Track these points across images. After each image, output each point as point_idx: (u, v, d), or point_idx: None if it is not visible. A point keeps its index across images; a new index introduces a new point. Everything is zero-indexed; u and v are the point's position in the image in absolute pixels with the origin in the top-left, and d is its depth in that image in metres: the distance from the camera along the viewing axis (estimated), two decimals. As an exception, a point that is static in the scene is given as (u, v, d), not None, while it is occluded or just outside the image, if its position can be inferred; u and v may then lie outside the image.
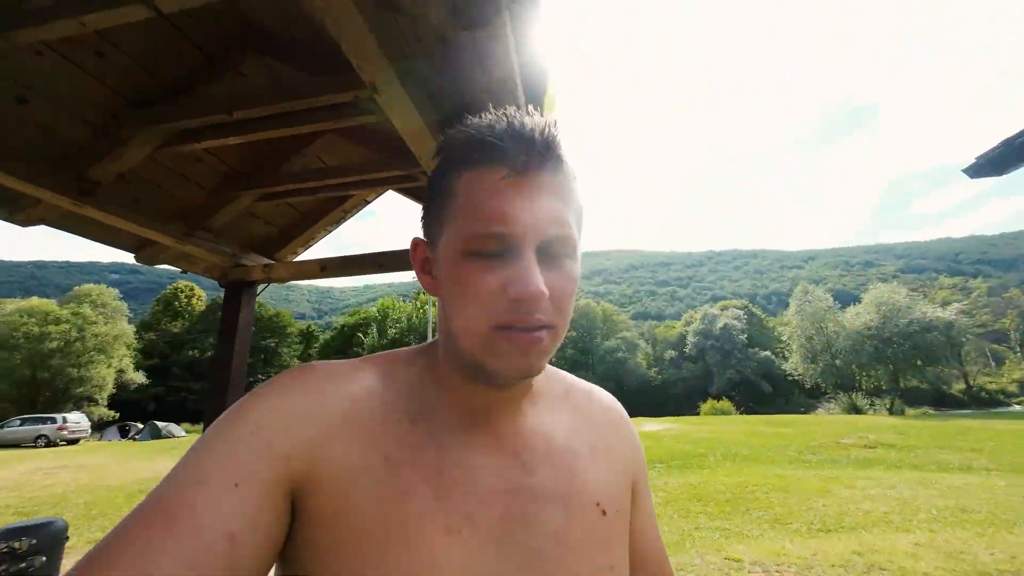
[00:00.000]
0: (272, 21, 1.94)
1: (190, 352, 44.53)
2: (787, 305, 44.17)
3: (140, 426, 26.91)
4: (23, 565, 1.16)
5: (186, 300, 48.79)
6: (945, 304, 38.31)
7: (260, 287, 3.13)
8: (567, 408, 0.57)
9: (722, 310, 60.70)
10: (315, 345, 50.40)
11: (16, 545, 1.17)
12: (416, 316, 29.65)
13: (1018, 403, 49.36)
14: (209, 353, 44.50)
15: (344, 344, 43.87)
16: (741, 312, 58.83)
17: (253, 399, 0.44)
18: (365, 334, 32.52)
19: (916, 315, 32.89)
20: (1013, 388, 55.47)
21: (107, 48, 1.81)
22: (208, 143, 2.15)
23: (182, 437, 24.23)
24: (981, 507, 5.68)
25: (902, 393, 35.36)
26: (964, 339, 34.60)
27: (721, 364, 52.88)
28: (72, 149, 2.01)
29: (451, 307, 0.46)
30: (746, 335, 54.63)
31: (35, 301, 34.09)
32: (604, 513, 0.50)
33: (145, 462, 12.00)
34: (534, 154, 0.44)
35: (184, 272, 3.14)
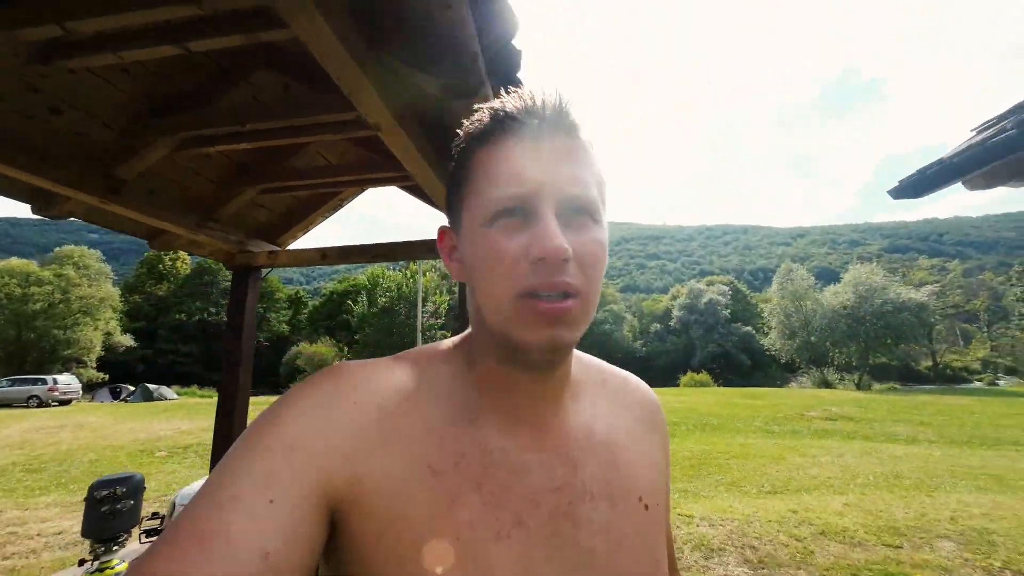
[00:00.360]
0: (283, 40, 2.12)
1: (177, 316, 44.40)
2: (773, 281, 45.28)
3: (132, 388, 27.14)
4: (119, 506, 1.53)
5: (170, 263, 48.08)
6: (920, 285, 39.75)
7: (264, 271, 3.39)
8: (605, 397, 0.57)
9: (708, 285, 61.98)
10: (304, 311, 50.49)
11: (116, 491, 1.54)
12: (406, 285, 29.76)
13: (979, 380, 52.22)
14: (196, 317, 44.47)
15: (333, 311, 44.01)
16: (726, 288, 60.16)
17: (286, 411, 0.42)
18: (355, 302, 32.61)
19: (891, 296, 34.16)
20: (976, 366, 58.47)
21: (133, 66, 2.00)
22: (221, 147, 2.37)
23: (173, 399, 24.60)
24: (912, 474, 6.39)
25: (871, 369, 37.15)
26: (934, 319, 36.17)
27: (704, 338, 54.47)
28: (98, 153, 2.22)
29: (476, 282, 0.46)
30: (730, 310, 56.12)
31: (15, 261, 33.51)
32: (647, 508, 0.50)
33: (141, 423, 12.37)
34: (545, 120, 0.44)
35: (192, 255, 3.37)
